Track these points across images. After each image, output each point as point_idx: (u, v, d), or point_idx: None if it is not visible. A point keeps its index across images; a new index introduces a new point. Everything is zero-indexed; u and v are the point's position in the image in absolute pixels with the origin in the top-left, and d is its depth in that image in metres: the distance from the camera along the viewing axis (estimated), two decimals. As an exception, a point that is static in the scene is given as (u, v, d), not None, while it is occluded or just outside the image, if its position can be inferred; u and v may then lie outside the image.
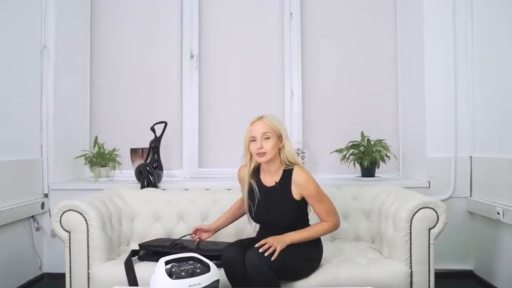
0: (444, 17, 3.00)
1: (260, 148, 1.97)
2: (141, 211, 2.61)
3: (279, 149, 2.03)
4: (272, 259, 1.83)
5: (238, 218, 2.31)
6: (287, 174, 2.03)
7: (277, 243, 1.88)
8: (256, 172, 2.13)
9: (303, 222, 2.08)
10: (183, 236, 2.29)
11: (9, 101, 2.71)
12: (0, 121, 2.63)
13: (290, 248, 1.92)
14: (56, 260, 2.96)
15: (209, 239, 2.27)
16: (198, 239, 2.23)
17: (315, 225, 2.04)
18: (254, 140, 1.99)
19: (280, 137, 2.02)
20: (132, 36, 3.45)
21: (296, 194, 2.02)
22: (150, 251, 2.24)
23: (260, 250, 1.85)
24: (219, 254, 2.00)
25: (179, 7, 3.42)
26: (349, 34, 3.42)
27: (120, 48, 3.45)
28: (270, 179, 2.08)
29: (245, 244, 1.99)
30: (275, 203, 2.04)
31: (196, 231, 2.25)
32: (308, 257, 2.01)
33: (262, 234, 2.07)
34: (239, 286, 1.90)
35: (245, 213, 2.21)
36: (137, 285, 1.99)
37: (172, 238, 2.52)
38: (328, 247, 2.48)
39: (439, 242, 2.24)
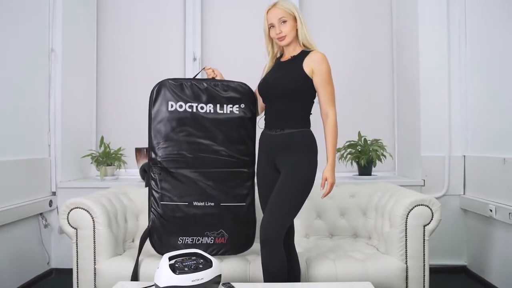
0: (438, 18, 3.00)
1: (279, 32, 1.95)
2: (145, 209, 2.59)
3: (296, 31, 1.97)
4: (323, 197, 1.98)
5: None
6: (304, 53, 1.97)
7: (332, 179, 1.94)
8: (278, 59, 2.08)
9: (306, 103, 1.96)
10: (198, 73, 2.24)
11: (18, 102, 2.72)
12: (10, 122, 2.64)
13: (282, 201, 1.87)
14: (63, 256, 2.97)
15: None
16: (212, 71, 2.21)
17: (326, 131, 1.94)
18: (273, 26, 1.97)
19: (295, 19, 1.96)
20: (137, 39, 3.45)
21: (306, 66, 1.92)
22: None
23: (323, 197, 1.97)
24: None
25: (182, 11, 3.42)
26: (346, 35, 3.42)
27: (125, 50, 3.45)
28: (288, 57, 2.03)
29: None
30: (284, 72, 1.98)
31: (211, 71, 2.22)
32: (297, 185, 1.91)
33: (269, 120, 2.02)
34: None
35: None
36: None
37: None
38: (326, 244, 2.49)
39: (433, 238, 2.24)
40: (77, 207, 2.17)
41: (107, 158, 3.15)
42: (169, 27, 3.44)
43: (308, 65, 1.92)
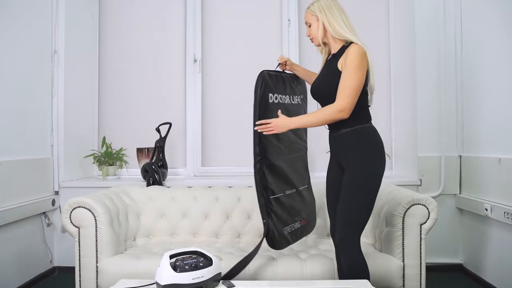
0: (434, 18, 3.00)
1: (308, 35, 1.99)
2: (146, 208, 2.61)
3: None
4: (265, 133, 1.88)
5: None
6: (343, 48, 1.88)
7: (276, 127, 1.85)
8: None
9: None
10: (276, 67, 2.20)
11: (21, 103, 2.71)
12: (13, 122, 2.63)
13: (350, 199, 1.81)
14: (66, 254, 2.96)
15: None
16: (285, 64, 2.20)
17: (321, 109, 1.85)
18: None
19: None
20: (139, 41, 3.45)
21: (340, 64, 1.83)
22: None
23: (255, 128, 1.89)
24: None
25: (183, 13, 3.42)
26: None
27: (127, 52, 3.45)
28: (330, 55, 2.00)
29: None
30: (323, 74, 1.97)
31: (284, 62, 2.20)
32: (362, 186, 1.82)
33: None
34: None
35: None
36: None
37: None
38: (324, 242, 2.49)
39: (430, 237, 2.24)
40: (79, 206, 2.17)
41: (109, 158, 3.15)
42: (170, 29, 3.44)
43: (341, 62, 1.84)
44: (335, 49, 1.93)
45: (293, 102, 2.18)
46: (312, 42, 1.99)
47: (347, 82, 1.78)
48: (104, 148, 3.19)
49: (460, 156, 2.99)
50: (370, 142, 1.86)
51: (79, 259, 2.16)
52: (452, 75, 3.00)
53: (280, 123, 1.86)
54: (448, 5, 3.00)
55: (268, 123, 1.87)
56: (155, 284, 1.61)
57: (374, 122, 1.99)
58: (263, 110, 1.99)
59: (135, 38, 3.45)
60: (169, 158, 3.17)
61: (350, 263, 1.81)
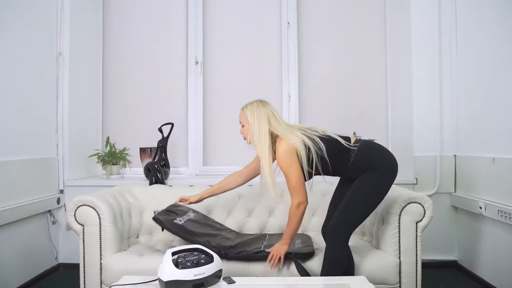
0: (430, 25, 3.00)
1: (241, 133, 2.11)
2: (149, 206, 2.61)
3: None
4: (278, 268, 2.01)
5: (230, 189, 2.36)
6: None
7: (278, 252, 2.00)
8: None
9: (323, 161, 1.97)
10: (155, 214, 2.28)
11: (27, 104, 2.72)
12: (19, 123, 2.64)
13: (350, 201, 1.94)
14: (70, 251, 2.97)
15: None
16: (182, 202, 2.35)
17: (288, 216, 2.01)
18: None
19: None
20: (141, 43, 3.45)
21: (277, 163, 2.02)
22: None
23: (269, 268, 2.00)
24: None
25: (185, 16, 3.43)
26: (342, 41, 3.42)
27: (130, 54, 3.46)
28: None
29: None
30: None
31: (182, 200, 2.35)
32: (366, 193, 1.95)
33: None
34: None
35: (237, 186, 2.33)
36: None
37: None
38: (322, 240, 2.49)
39: (425, 235, 2.24)
40: (83, 205, 2.18)
41: (112, 158, 3.15)
42: (172, 32, 3.45)
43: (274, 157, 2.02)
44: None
45: (192, 217, 2.33)
46: (244, 139, 2.11)
47: (289, 180, 1.94)
48: (108, 148, 3.19)
49: (455, 155, 2.99)
50: (373, 159, 1.97)
51: (84, 256, 2.16)
52: (447, 75, 3.00)
53: (278, 249, 2.00)
54: (444, 7, 3.00)
55: (272, 255, 2.00)
56: (157, 281, 1.62)
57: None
58: (186, 232, 2.15)
59: (138, 40, 3.46)
60: (171, 157, 3.18)
61: (332, 254, 1.91)
